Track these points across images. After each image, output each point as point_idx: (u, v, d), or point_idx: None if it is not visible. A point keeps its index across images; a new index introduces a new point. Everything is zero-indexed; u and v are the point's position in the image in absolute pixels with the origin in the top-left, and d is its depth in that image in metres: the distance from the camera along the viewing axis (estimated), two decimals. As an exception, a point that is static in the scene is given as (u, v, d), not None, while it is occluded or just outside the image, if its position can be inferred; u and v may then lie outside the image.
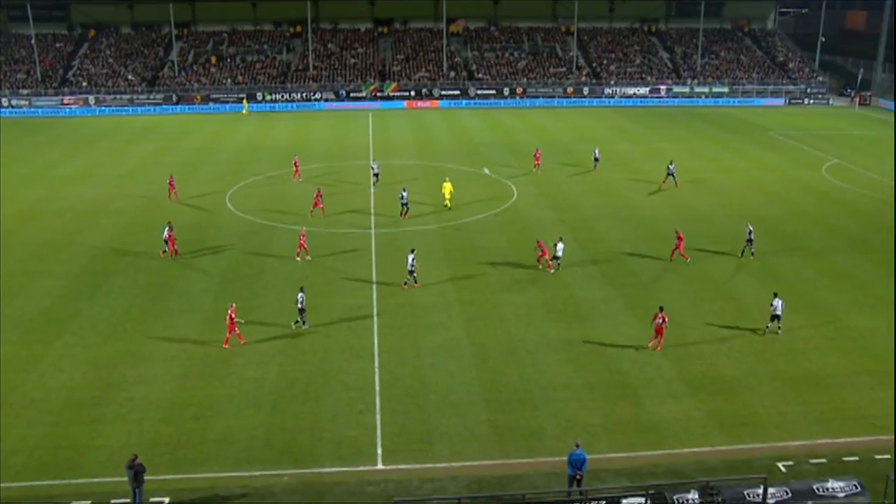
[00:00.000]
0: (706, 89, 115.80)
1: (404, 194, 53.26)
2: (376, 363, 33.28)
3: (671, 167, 62.56)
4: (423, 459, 26.81)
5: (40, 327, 36.80)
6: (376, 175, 62.14)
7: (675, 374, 32.30)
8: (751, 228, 46.00)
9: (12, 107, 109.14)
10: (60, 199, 60.04)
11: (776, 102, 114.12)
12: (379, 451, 27.22)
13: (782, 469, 26.10)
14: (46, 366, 32.97)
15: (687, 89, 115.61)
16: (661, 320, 34.07)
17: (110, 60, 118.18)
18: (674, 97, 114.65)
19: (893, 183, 63.73)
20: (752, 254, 45.91)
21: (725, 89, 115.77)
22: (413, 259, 40.90)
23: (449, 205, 55.36)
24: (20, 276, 43.57)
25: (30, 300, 40.10)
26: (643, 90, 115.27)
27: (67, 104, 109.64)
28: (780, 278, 42.82)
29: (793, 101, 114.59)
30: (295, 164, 65.60)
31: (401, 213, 53.23)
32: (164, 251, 46.05)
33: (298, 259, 45.55)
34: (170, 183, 59.34)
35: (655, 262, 45.39)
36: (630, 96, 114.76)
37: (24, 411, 29.55)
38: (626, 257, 46.18)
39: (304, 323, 36.33)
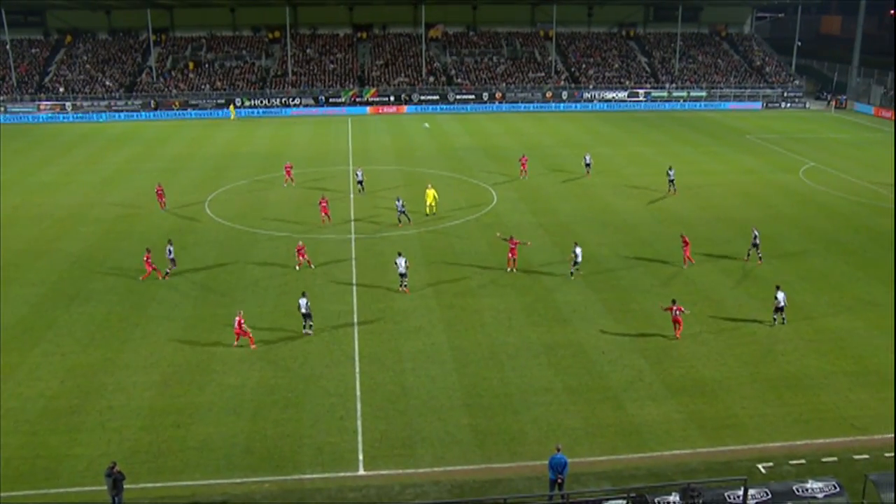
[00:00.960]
0: (684, 93, 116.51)
1: (399, 203, 52.99)
2: (357, 369, 33.22)
3: (671, 173, 61.91)
4: (405, 465, 26.77)
5: (17, 336, 36.47)
6: (360, 182, 61.85)
7: (655, 377, 32.45)
8: (756, 233, 46.10)
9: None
10: (37, 205, 59.58)
11: (753, 106, 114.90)
12: (360, 456, 27.17)
13: (762, 470, 26.26)
14: (23, 375, 32.68)
15: (665, 93, 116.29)
16: (677, 311, 35.24)
17: (87, 66, 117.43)
18: (652, 101, 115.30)
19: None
20: (760, 258, 46.00)
21: (703, 93, 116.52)
22: (405, 262, 41.15)
23: (435, 211, 55.30)
24: (-3, 284, 43.22)
25: (6, 308, 39.75)
26: (622, 94, 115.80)
27: (44, 110, 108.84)
28: (759, 280, 43.12)
29: (770, 104, 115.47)
30: (287, 169, 65.29)
31: (398, 221, 53.04)
32: (167, 272, 44.07)
33: (298, 268, 44.90)
34: (158, 192, 58.09)
35: (634, 265, 45.57)
36: (609, 100, 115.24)
37: (1, 421, 29.24)
38: (606, 261, 46.34)
39: (309, 329, 36.14)
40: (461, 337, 36.09)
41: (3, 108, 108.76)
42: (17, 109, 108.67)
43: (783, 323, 37.10)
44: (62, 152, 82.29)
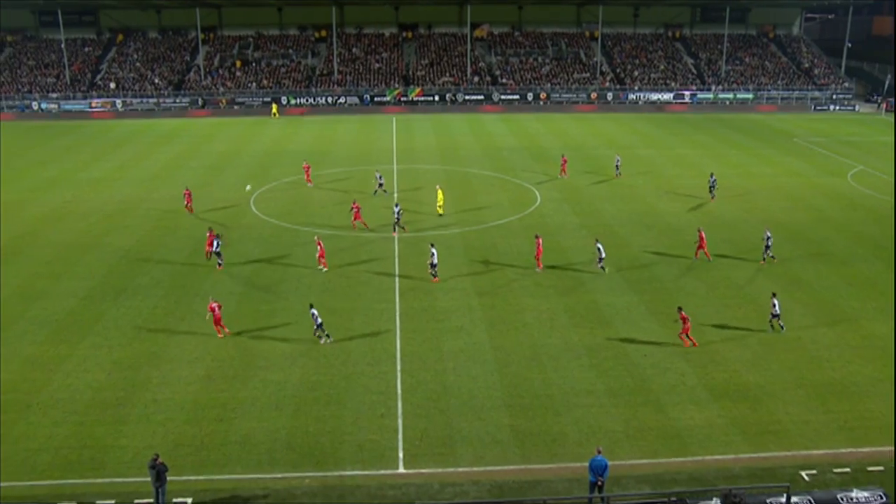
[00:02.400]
0: (731, 95, 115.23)
1: (396, 210, 51.50)
2: (398, 367, 33.29)
3: (712, 179, 60.94)
4: (445, 463, 26.76)
5: (66, 328, 37.11)
6: (381, 185, 61.46)
7: (697, 381, 32.09)
8: (769, 234, 45.80)
9: (42, 110, 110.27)
10: (87, 201, 60.62)
11: (801, 109, 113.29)
12: (400, 454, 27.21)
13: (805, 478, 25.83)
14: (72, 366, 33.25)
15: (711, 95, 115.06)
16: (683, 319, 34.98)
17: (137, 64, 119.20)
18: (698, 103, 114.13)
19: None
20: (773, 257, 45.70)
21: (750, 95, 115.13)
22: (436, 253, 42.37)
23: (441, 212, 55.09)
24: (47, 277, 43.99)
25: (56, 301, 40.48)
26: (667, 96, 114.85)
27: (95, 107, 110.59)
28: (804, 284, 42.48)
29: (818, 107, 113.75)
30: (306, 169, 65.57)
31: (393, 227, 51.45)
32: (220, 263, 45.20)
33: (321, 268, 45.04)
34: (186, 196, 56.96)
35: (678, 267, 45.15)
36: (654, 102, 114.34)
37: (50, 411, 29.81)
38: (649, 263, 45.96)
39: (328, 336, 35.57)
40: (503, 337, 36.00)
41: (56, 105, 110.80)
42: (70, 106, 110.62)
43: (781, 329, 36.42)
44: (112, 149, 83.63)
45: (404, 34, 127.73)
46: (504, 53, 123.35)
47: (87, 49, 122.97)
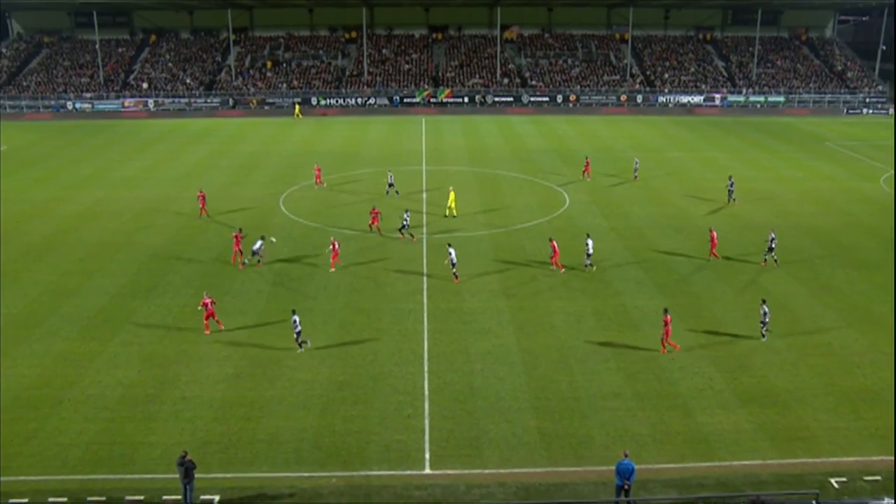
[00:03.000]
0: (762, 98, 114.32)
1: (405, 216, 50.21)
2: (426, 368, 33.31)
3: (731, 183, 60.49)
4: (471, 465, 26.73)
5: (97, 325, 37.48)
6: (391, 185, 61.42)
7: (725, 385, 31.84)
8: (773, 235, 45.78)
9: (76, 110, 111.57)
10: (119, 199, 61.24)
11: (834, 112, 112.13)
12: (427, 455, 27.22)
13: (835, 485, 25.51)
14: (103, 363, 33.58)
15: (742, 98, 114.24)
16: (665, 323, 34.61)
17: (170, 65, 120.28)
18: (728, 106, 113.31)
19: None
20: (776, 261, 45.75)
21: (781, 98, 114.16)
22: (453, 253, 42.86)
23: (455, 214, 54.99)
24: (79, 274, 44.49)
25: (88, 298, 40.91)
26: (697, 99, 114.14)
27: (128, 107, 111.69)
28: (834, 289, 42.02)
29: (851, 110, 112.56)
30: (317, 171, 65.47)
31: (400, 233, 50.27)
32: (259, 260, 45.58)
33: (333, 270, 45.02)
34: (200, 199, 56.02)
35: (707, 271, 44.83)
36: (684, 105, 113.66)
37: (82, 407, 30.13)
38: (678, 267, 45.65)
39: (301, 345, 34.77)
40: (530, 339, 35.92)
41: (90, 105, 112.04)
42: (104, 106, 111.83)
43: (763, 337, 36.04)
44: (143, 148, 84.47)
45: (434, 35, 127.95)
46: (534, 55, 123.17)
47: (120, 50, 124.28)
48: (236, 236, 45.86)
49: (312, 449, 27.55)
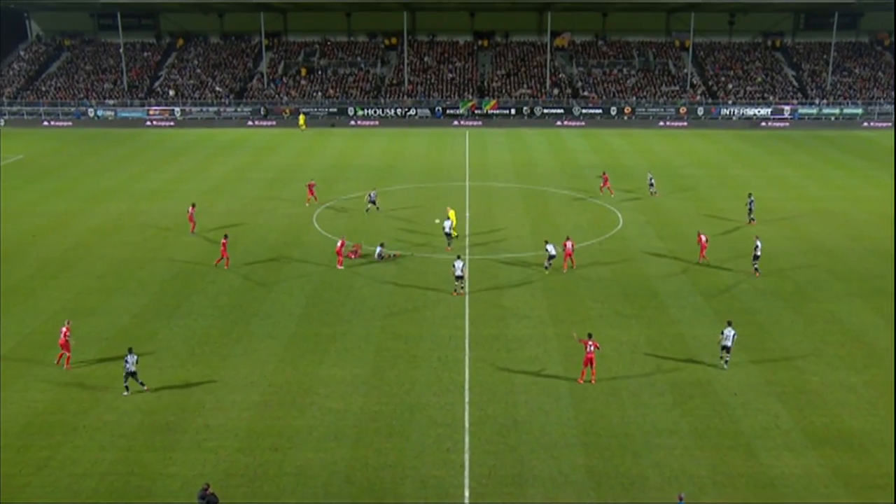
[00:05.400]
0: (836, 111, 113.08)
1: (447, 224, 52.74)
2: (466, 398, 33.32)
3: (750, 200, 60.44)
4: (514, 505, 26.70)
5: (117, 346, 37.94)
6: (373, 202, 61.79)
7: (793, 425, 31.42)
8: (758, 244, 47.82)
9: (98, 118, 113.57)
10: (142, 213, 62.22)
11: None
12: (466, 492, 27.19)
13: (915, 536, 25.12)
14: (122, 387, 33.97)
15: (814, 110, 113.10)
16: (592, 347, 34.20)
17: (198, 71, 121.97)
18: (799, 119, 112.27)
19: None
20: (756, 270, 47.92)
21: (859, 110, 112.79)
22: (462, 266, 44.56)
23: (454, 234, 54.88)
24: (98, 292, 45.20)
25: (107, 318, 41.54)
26: (764, 111, 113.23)
27: (153, 115, 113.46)
28: (917, 322, 41.38)
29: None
30: (309, 187, 65.49)
31: (448, 244, 52.80)
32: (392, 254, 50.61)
33: (341, 267, 48.65)
34: (189, 212, 57.23)
35: (773, 298, 44.36)
36: (749, 118, 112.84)
37: (97, 434, 30.52)
38: (741, 294, 45.25)
39: (126, 389, 33.55)
40: (579, 369, 35.73)
41: (113, 113, 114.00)
42: (127, 114, 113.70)
43: (724, 366, 35.93)
44: (169, 159, 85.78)
45: (480, 42, 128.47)
46: (586, 64, 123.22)
47: (145, 54, 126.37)
48: (223, 242, 49.05)
49: (343, 483, 27.64)
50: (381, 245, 50.68)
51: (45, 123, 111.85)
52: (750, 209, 60.01)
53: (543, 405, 32.79)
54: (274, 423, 31.36)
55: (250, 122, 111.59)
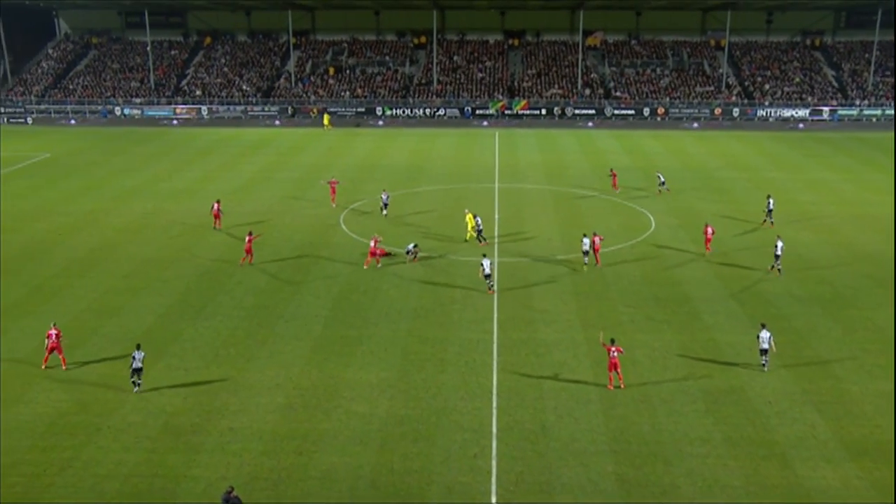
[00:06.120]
0: (878, 112, 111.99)
1: (477, 219, 54.23)
2: (494, 404, 33.27)
3: (770, 202, 59.97)
4: (542, 512, 26.61)
5: (141, 347, 38.21)
6: (385, 205, 61.76)
7: (831, 435, 31.10)
8: (779, 244, 48.36)
9: (124, 116, 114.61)
10: (168, 213, 62.72)
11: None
12: (493, 499, 27.13)
13: (956, 551, 24.80)
14: (146, 388, 34.22)
15: (855, 112, 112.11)
16: (615, 353, 34.14)
17: (225, 69, 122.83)
18: (839, 121, 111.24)
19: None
20: (779, 270, 48.36)
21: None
22: (490, 263, 45.53)
23: (467, 238, 54.88)
24: (124, 292, 45.58)
25: (132, 318, 41.87)
26: (802, 112, 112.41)
27: (180, 114, 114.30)
28: (959, 331, 40.86)
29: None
30: (332, 185, 65.80)
31: (479, 240, 54.13)
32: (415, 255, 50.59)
33: (367, 268, 49.09)
34: (215, 209, 58.12)
35: (809, 304, 43.95)
36: (786, 119, 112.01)
37: (121, 435, 30.74)
38: (777, 299, 44.89)
39: (136, 385, 34.03)
40: (607, 375, 35.61)
41: (140, 111, 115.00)
42: (154, 113, 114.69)
43: (764, 368, 36.08)
44: (196, 158, 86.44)
45: (510, 41, 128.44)
46: (619, 64, 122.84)
47: (173, 52, 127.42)
48: (249, 238, 49.94)
49: (368, 488, 27.67)
50: (415, 245, 51.26)
51: (72, 122, 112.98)
52: (768, 211, 59.70)
53: (572, 411, 32.68)
54: (299, 427, 31.46)
55: (277, 122, 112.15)
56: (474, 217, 54.45)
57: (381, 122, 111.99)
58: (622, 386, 34.33)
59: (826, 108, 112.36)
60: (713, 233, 52.11)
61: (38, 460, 29.03)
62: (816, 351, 38.29)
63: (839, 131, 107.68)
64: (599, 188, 71.33)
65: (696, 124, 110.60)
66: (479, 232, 53.87)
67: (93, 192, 70.13)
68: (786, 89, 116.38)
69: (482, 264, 45.18)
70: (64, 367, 36.26)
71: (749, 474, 28.63)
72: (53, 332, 36.08)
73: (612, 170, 72.71)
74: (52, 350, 36.00)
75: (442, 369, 36.22)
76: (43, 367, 36.17)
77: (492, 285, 45.58)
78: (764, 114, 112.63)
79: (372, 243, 49.80)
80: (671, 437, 30.84)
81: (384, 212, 61.69)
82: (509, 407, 32.97)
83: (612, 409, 32.80)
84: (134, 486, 27.69)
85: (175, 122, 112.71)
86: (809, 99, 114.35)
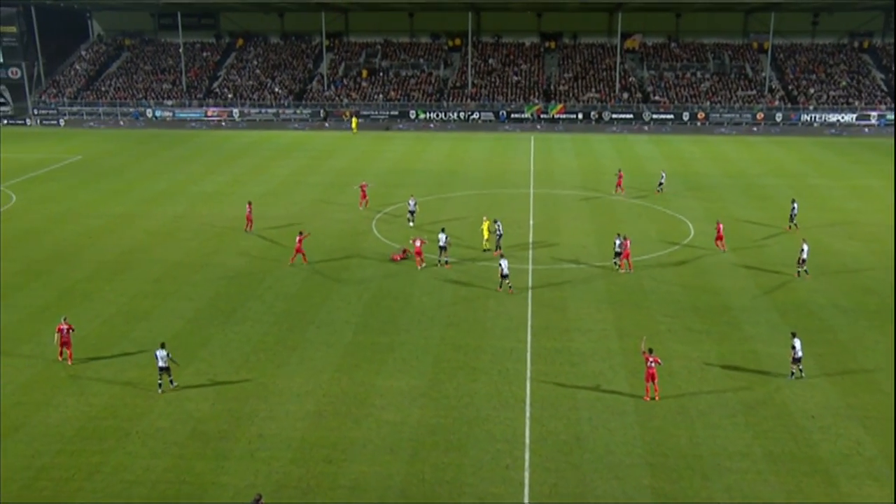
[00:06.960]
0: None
1: (498, 224, 54.07)
2: (527, 414, 33.19)
3: (794, 207, 59.89)
4: (575, 526, 26.51)
5: (171, 352, 38.42)
6: (412, 212, 61.23)
7: (877, 452, 30.69)
8: (804, 247, 49.06)
9: (156, 118, 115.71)
10: (199, 216, 63.21)
11: None
12: (526, 512, 27.10)
13: None
14: (174, 393, 34.49)
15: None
16: (652, 363, 33.82)
17: (257, 72, 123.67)
18: (887, 125, 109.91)
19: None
20: (807, 272, 49.36)
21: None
22: (506, 264, 45.87)
23: (487, 246, 54.47)
24: (153, 296, 45.97)
25: (161, 323, 42.21)
26: (849, 117, 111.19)
27: (211, 117, 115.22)
28: None
29: None
30: (362, 189, 66.11)
31: (496, 247, 53.56)
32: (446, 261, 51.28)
33: (420, 268, 50.35)
34: (248, 211, 59.03)
35: (855, 316, 43.46)
36: (832, 124, 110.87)
37: (150, 441, 30.99)
38: (821, 311, 44.41)
39: (167, 384, 34.96)
40: (644, 386, 35.40)
41: (171, 113, 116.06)
42: (185, 115, 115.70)
43: (801, 376, 35.97)
44: (227, 161, 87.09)
45: (547, 44, 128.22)
46: (658, 67, 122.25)
47: (205, 54, 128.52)
48: (299, 238, 50.85)
49: (398, 498, 27.68)
50: (443, 230, 51.73)
51: (104, 124, 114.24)
52: (792, 215, 59.58)
53: (607, 422, 32.53)
54: (328, 435, 31.54)
55: (309, 125, 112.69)
56: (495, 222, 54.24)
57: (414, 126, 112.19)
58: (657, 398, 34.11)
59: (874, 113, 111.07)
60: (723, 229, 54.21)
61: (67, 464, 29.33)
62: (861, 364, 37.84)
63: (887, 137, 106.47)
64: (637, 194, 70.97)
65: (737, 129, 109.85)
66: (500, 237, 53.52)
67: (123, 194, 70.85)
68: (831, 93, 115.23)
69: (500, 264, 45.78)
70: (70, 363, 37.05)
71: (791, 491, 28.33)
72: (64, 326, 36.97)
73: (619, 171, 72.94)
74: (63, 344, 37.04)
75: (474, 378, 36.19)
76: (59, 358, 37.37)
77: (510, 286, 46.19)
78: (808, 118, 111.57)
79: (417, 243, 50.25)
80: (709, 451, 30.60)
81: (410, 222, 60.82)
82: (543, 417, 32.88)
83: (648, 421, 32.61)
84: (161, 492, 27.88)
85: (207, 124, 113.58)
86: (856, 103, 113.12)
